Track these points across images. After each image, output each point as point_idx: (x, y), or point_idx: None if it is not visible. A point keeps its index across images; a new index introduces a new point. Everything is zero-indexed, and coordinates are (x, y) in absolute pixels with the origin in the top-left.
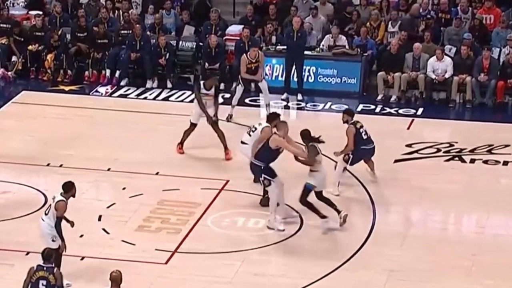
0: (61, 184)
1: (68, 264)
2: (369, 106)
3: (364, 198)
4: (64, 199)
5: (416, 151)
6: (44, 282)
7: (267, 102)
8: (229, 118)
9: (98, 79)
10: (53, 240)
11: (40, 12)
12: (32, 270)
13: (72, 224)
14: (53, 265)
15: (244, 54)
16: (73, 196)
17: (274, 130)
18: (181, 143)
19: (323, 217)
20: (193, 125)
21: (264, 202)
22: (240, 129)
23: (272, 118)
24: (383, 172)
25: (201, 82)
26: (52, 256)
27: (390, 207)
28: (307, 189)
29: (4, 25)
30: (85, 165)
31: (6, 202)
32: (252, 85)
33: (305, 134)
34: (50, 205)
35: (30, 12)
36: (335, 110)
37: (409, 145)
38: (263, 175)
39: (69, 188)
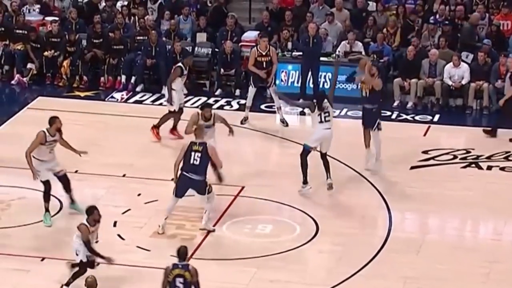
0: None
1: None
2: (386, 113)
3: (380, 204)
4: (86, 223)
5: (433, 158)
6: (181, 280)
7: (278, 105)
8: (243, 121)
9: (113, 85)
10: (76, 254)
11: (56, 18)
12: (168, 269)
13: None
14: (188, 262)
15: (255, 47)
16: (97, 221)
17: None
18: (157, 127)
19: (305, 182)
20: (178, 113)
21: None
22: (252, 135)
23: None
24: (399, 178)
25: (180, 65)
26: (187, 254)
27: (406, 214)
28: (304, 150)
29: (20, 31)
30: (100, 171)
31: (22, 208)
32: (268, 91)
33: (318, 95)
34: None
35: (46, 18)
36: (351, 116)
37: (425, 152)
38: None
39: (90, 212)
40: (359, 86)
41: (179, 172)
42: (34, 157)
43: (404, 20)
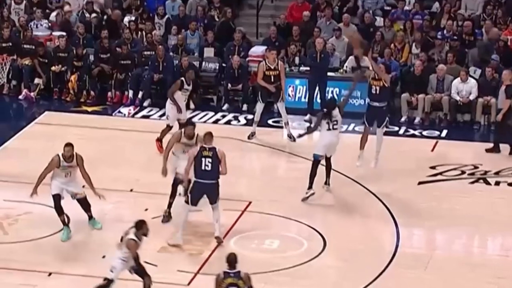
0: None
1: (90, 285)
2: (393, 128)
3: (387, 219)
4: (135, 237)
5: (440, 173)
6: None
7: (285, 120)
8: (250, 136)
9: (121, 99)
10: (111, 271)
11: (64, 33)
12: (220, 277)
13: None
14: (239, 269)
15: (263, 60)
16: (145, 235)
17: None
18: (160, 140)
19: (309, 188)
20: (168, 127)
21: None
22: (260, 150)
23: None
24: (407, 193)
25: (182, 79)
26: (237, 261)
27: (413, 230)
28: (314, 160)
29: (28, 46)
30: (108, 186)
31: (29, 223)
32: (275, 106)
33: (329, 104)
34: (122, 237)
35: (54, 33)
36: (359, 132)
37: (433, 167)
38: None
39: (139, 226)
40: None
41: (192, 180)
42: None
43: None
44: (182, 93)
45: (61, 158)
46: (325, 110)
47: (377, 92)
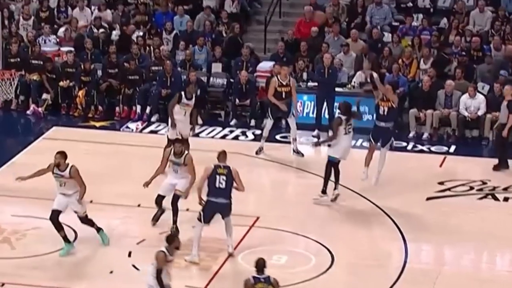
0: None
1: None
2: (401, 143)
3: (395, 235)
4: (165, 250)
5: (449, 189)
6: None
7: (294, 136)
8: (258, 152)
9: (128, 115)
10: None
11: (72, 49)
12: (249, 282)
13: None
14: (268, 274)
15: (275, 76)
16: (177, 248)
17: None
18: None
19: (324, 192)
20: (170, 141)
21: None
22: (267, 165)
23: None
24: (415, 209)
25: (182, 92)
26: (265, 266)
27: (422, 245)
28: (329, 161)
29: (36, 62)
30: (115, 201)
31: (37, 238)
32: (283, 121)
33: (343, 106)
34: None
35: (62, 49)
36: (367, 147)
37: (441, 183)
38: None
39: (171, 240)
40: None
41: (206, 198)
42: None
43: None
44: (180, 107)
45: (53, 166)
46: (345, 117)
47: (385, 113)
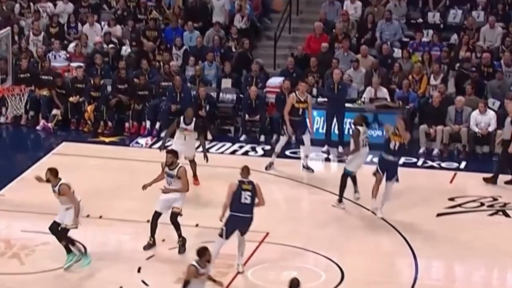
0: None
1: None
2: (411, 159)
3: (406, 252)
4: (196, 264)
5: (459, 205)
6: None
7: (307, 153)
8: (268, 167)
9: (138, 130)
10: None
11: (82, 64)
12: None
13: (220, 284)
14: None
15: (293, 92)
16: (208, 261)
17: None
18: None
19: (340, 201)
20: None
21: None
22: (277, 181)
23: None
24: (426, 225)
25: (181, 117)
26: (299, 285)
27: (432, 261)
28: (346, 174)
29: (46, 77)
30: (125, 217)
31: (45, 254)
32: (293, 137)
33: (360, 119)
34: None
35: (72, 64)
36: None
37: (452, 199)
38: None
39: (202, 253)
40: (384, 134)
41: (229, 213)
42: None
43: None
44: (179, 132)
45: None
46: (362, 128)
47: (395, 148)
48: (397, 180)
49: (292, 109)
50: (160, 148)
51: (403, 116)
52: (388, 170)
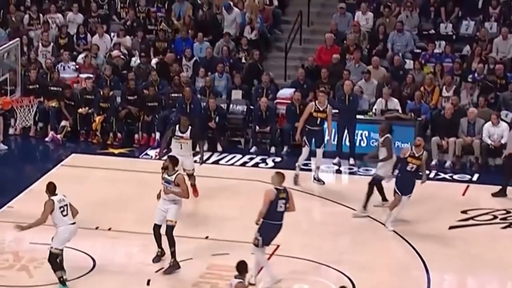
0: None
1: None
2: None
3: (418, 265)
4: (242, 280)
5: (472, 218)
6: None
7: (318, 165)
8: (295, 181)
9: (148, 142)
10: None
11: (91, 75)
12: None
13: None
14: None
15: (312, 101)
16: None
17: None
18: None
19: (364, 207)
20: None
21: None
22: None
23: None
24: (438, 238)
25: (176, 126)
26: None
27: (444, 275)
28: (376, 180)
29: (55, 88)
30: (134, 229)
31: None
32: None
33: (388, 126)
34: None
35: (81, 75)
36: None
37: (464, 212)
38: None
39: (243, 269)
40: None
41: (262, 221)
42: None
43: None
44: (175, 141)
45: None
46: (390, 136)
47: (412, 169)
48: (409, 196)
49: (310, 119)
50: (160, 155)
51: (420, 141)
52: (407, 187)
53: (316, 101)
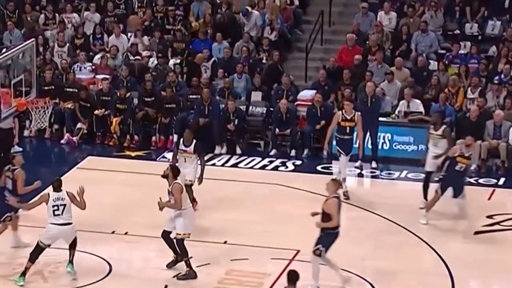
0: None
1: None
2: None
3: (442, 271)
4: None
5: (498, 223)
6: None
7: (344, 176)
8: (346, 196)
9: (165, 144)
10: None
11: (107, 76)
12: None
13: None
14: None
15: (339, 110)
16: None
17: None
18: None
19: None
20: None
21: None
22: (308, 197)
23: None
24: (463, 244)
25: (181, 139)
26: None
27: (470, 282)
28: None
29: (71, 89)
30: (151, 233)
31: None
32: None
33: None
34: None
35: (97, 76)
36: (412, 179)
37: (490, 217)
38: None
39: (295, 278)
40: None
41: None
42: None
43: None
44: (179, 154)
45: None
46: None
47: (461, 169)
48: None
49: (339, 128)
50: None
51: (470, 141)
52: (459, 186)
53: (342, 110)
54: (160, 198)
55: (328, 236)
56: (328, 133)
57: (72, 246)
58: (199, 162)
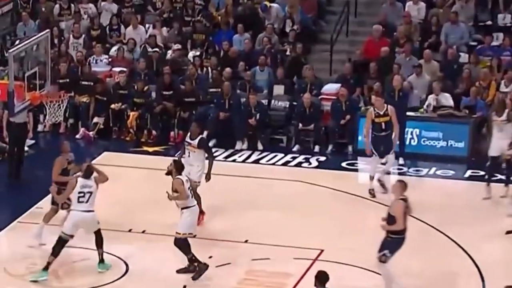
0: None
1: None
2: (478, 172)
3: (472, 273)
4: None
5: None
6: None
7: (388, 170)
8: (372, 192)
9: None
10: None
11: (124, 69)
12: None
13: None
14: None
15: (370, 107)
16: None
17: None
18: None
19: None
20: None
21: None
22: (333, 195)
23: None
24: (494, 244)
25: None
26: None
27: (502, 283)
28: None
29: (86, 83)
30: (169, 232)
31: (86, 270)
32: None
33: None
34: None
35: (114, 69)
36: (440, 176)
37: None
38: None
39: (323, 279)
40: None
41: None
42: None
43: None
44: (186, 148)
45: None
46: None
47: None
48: None
49: (373, 125)
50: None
51: None
52: None
53: (374, 107)
54: (167, 192)
55: (394, 241)
56: (365, 133)
57: (99, 244)
58: (206, 159)
